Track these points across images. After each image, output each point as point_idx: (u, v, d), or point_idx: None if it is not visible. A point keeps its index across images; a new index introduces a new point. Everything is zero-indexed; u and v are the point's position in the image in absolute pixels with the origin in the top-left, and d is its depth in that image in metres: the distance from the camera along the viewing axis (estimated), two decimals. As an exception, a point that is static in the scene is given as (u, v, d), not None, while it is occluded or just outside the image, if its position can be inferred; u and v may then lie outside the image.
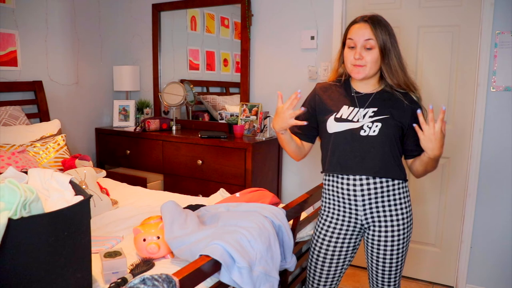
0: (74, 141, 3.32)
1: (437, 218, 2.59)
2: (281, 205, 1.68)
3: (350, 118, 1.52)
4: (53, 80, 3.15)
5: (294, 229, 1.57)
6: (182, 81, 3.39)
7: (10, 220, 0.93)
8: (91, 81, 3.46)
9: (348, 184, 1.52)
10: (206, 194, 2.72)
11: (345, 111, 1.55)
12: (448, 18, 2.41)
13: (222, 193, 2.20)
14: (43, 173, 1.35)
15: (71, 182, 1.33)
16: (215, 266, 1.17)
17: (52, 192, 1.26)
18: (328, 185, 1.58)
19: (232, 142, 2.75)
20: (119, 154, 3.30)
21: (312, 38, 2.79)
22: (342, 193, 1.54)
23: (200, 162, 2.86)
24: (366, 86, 1.57)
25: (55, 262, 1.02)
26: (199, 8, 3.29)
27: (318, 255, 1.61)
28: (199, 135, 2.91)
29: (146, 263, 1.37)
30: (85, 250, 1.13)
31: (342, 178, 1.53)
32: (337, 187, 1.55)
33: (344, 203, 1.55)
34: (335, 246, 1.58)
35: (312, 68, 2.81)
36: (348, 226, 1.57)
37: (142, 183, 2.93)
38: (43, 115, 3.00)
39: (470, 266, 2.50)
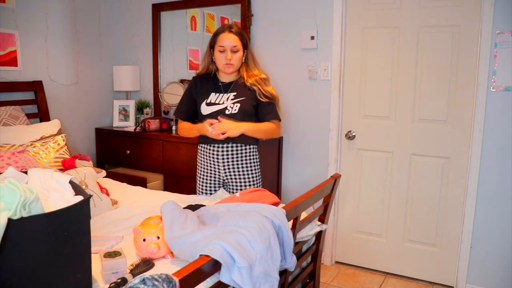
0: (74, 141, 3.32)
1: (437, 218, 2.59)
2: (281, 205, 1.68)
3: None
4: (53, 80, 3.15)
5: (294, 229, 1.57)
6: (182, 81, 3.39)
7: (10, 220, 0.93)
8: (91, 81, 3.46)
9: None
10: (206, 194, 2.71)
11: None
12: (448, 18, 2.41)
13: (222, 193, 2.19)
14: (43, 173, 1.35)
15: (71, 182, 1.33)
16: (215, 266, 1.17)
17: (52, 192, 1.26)
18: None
19: (232, 142, 2.74)
20: (119, 154, 3.30)
21: (312, 38, 2.79)
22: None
23: (200, 162, 2.86)
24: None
25: (55, 262, 1.02)
26: (199, 8, 3.29)
27: None
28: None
29: (146, 263, 1.37)
30: (85, 250, 1.13)
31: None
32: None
33: None
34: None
35: (312, 68, 2.81)
36: None
37: (142, 183, 2.93)
38: (43, 115, 3.00)
39: (470, 266, 2.50)
